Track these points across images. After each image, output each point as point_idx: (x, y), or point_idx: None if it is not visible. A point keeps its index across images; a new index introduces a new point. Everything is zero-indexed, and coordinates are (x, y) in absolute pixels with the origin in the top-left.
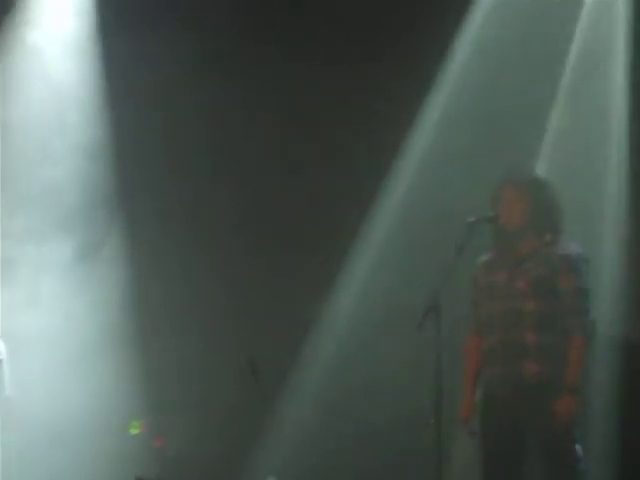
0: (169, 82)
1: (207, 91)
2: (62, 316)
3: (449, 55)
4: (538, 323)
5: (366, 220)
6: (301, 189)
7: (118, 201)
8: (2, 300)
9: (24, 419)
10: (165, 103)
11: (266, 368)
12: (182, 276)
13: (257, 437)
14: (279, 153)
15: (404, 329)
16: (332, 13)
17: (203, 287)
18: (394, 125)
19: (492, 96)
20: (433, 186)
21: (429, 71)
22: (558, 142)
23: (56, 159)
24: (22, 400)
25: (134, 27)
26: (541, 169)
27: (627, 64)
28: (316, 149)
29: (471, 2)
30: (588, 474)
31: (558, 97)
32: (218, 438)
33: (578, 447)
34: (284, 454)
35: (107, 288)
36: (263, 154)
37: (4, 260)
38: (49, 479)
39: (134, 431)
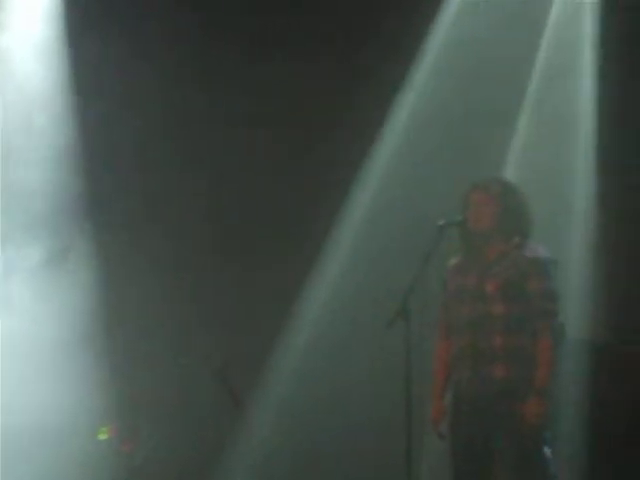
0: (138, 84)
1: (176, 92)
2: (30, 320)
3: (417, 58)
4: (507, 326)
5: (335, 223)
6: (270, 191)
7: (86, 205)
8: None
9: None
10: (134, 105)
11: (237, 373)
12: (151, 280)
13: (228, 442)
14: (248, 155)
15: (374, 333)
16: (302, 13)
17: (172, 291)
18: (362, 128)
19: (460, 101)
20: (402, 190)
21: (398, 73)
22: (526, 146)
23: (24, 162)
24: None
25: (102, 29)
26: (509, 173)
27: (593, 70)
28: (285, 151)
29: (440, 6)
30: (557, 476)
31: (526, 101)
32: (188, 443)
33: (547, 449)
34: (255, 460)
35: (76, 292)
36: (232, 157)
37: None
38: None
39: (103, 436)
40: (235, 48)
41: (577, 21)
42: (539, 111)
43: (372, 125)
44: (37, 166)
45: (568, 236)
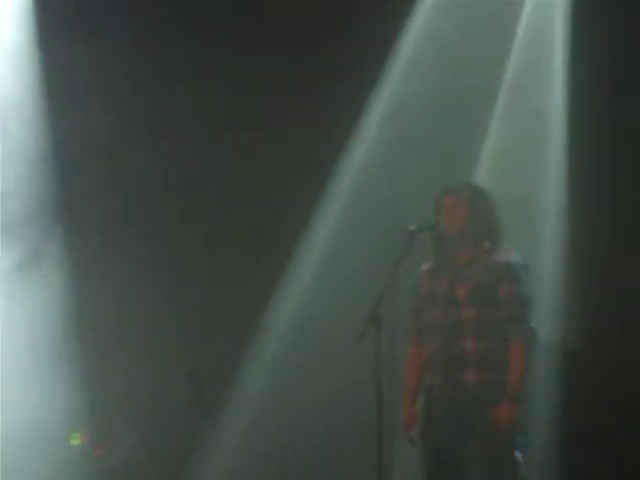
0: (109, 86)
1: (148, 93)
2: (2, 324)
3: (390, 60)
4: (478, 331)
5: (307, 228)
6: (244, 195)
7: (58, 208)
8: None
9: None
10: (106, 107)
11: (209, 379)
12: (123, 283)
13: (201, 447)
14: (222, 157)
15: (346, 338)
16: (273, 11)
17: (144, 294)
18: (334, 133)
19: (432, 105)
20: (373, 195)
21: (370, 76)
22: (497, 152)
23: None
24: None
25: (73, 31)
26: (480, 178)
27: (565, 75)
28: (259, 152)
29: (413, 7)
30: None
31: (497, 106)
32: (162, 448)
33: (518, 454)
34: (227, 465)
35: (47, 297)
36: (207, 158)
37: None
38: None
39: (75, 441)
40: (210, 47)
41: (549, 23)
42: (511, 117)
43: (343, 131)
44: (10, 170)
45: (540, 238)
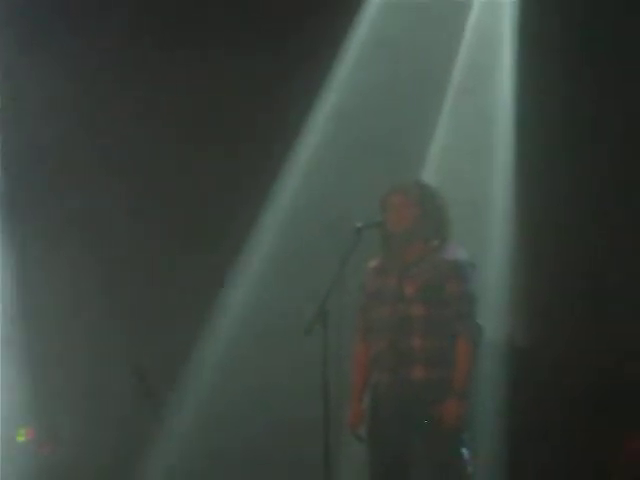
0: (57, 87)
1: (98, 98)
2: None
3: (337, 59)
4: (426, 328)
5: (254, 225)
6: (190, 192)
7: (3, 211)
8: None
9: None
10: (54, 112)
11: (154, 374)
12: (69, 282)
13: (147, 443)
14: (168, 157)
15: (292, 336)
16: (225, 14)
17: (89, 292)
18: (280, 130)
19: (380, 103)
20: (320, 192)
21: (317, 74)
22: (445, 152)
23: None
24: None
25: (21, 33)
26: (428, 177)
27: (512, 74)
28: (203, 151)
29: (360, 6)
30: (475, 477)
31: (445, 104)
32: (109, 443)
33: (465, 450)
34: (173, 460)
35: None
36: (152, 159)
37: None
38: None
39: (21, 439)
40: (154, 48)
41: (497, 24)
42: (459, 117)
43: (290, 127)
44: None
45: (487, 236)
